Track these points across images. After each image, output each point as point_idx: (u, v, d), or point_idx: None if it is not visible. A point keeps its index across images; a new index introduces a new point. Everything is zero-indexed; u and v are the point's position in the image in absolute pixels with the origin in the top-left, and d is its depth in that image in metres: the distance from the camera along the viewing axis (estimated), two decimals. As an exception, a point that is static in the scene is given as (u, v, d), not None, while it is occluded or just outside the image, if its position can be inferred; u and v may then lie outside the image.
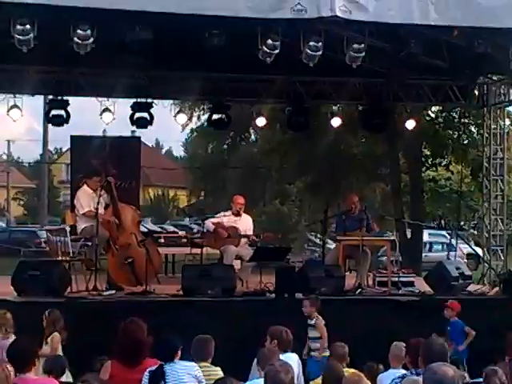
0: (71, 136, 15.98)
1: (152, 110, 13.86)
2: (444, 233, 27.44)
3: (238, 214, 12.50)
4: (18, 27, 8.87)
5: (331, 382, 6.39)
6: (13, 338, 7.65)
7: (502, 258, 14.61)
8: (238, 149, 28.53)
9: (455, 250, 15.98)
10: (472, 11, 9.17)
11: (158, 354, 6.32)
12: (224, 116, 14.40)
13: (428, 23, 9.18)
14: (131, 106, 13.86)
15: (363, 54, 9.72)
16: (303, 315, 9.66)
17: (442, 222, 34.62)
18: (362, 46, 9.62)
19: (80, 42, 9.12)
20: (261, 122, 15.43)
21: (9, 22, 8.94)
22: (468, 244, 18.59)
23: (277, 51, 9.45)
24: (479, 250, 16.37)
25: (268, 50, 9.46)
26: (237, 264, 12.07)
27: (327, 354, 8.77)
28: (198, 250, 12.73)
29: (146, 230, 16.17)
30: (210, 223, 12.53)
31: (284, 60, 9.84)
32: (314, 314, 9.51)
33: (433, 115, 20.38)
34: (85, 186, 11.87)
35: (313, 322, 9.51)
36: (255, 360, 6.63)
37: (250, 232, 12.53)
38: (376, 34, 10.33)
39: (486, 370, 5.97)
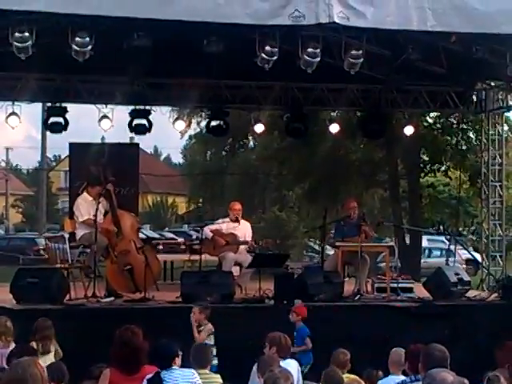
0: (70, 143, 15.96)
1: (150, 117, 13.89)
2: (443, 238, 27.35)
3: (236, 221, 12.47)
4: (17, 35, 8.88)
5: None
6: (13, 345, 7.63)
7: (501, 263, 14.60)
8: (237, 155, 28.57)
9: (454, 256, 15.95)
10: (469, 17, 9.20)
11: (156, 360, 6.29)
12: (222, 122, 14.41)
13: (426, 29, 9.20)
14: (130, 113, 13.88)
15: (361, 60, 9.74)
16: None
17: (441, 227, 34.53)
18: (360, 52, 9.65)
19: (78, 49, 9.14)
20: (259, 128, 15.40)
21: (7, 29, 8.96)
22: (467, 250, 18.53)
23: (275, 58, 9.47)
24: (478, 256, 16.34)
25: (266, 57, 9.48)
26: (236, 270, 12.06)
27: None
28: (196, 257, 12.71)
29: (144, 236, 16.23)
30: (208, 230, 12.52)
31: (282, 66, 9.85)
32: (204, 321, 9.07)
33: (431, 121, 20.36)
34: (85, 193, 11.86)
35: (201, 329, 9.09)
36: (254, 367, 6.62)
37: (249, 238, 12.52)
38: (374, 40, 10.36)
39: (487, 376, 5.96)
